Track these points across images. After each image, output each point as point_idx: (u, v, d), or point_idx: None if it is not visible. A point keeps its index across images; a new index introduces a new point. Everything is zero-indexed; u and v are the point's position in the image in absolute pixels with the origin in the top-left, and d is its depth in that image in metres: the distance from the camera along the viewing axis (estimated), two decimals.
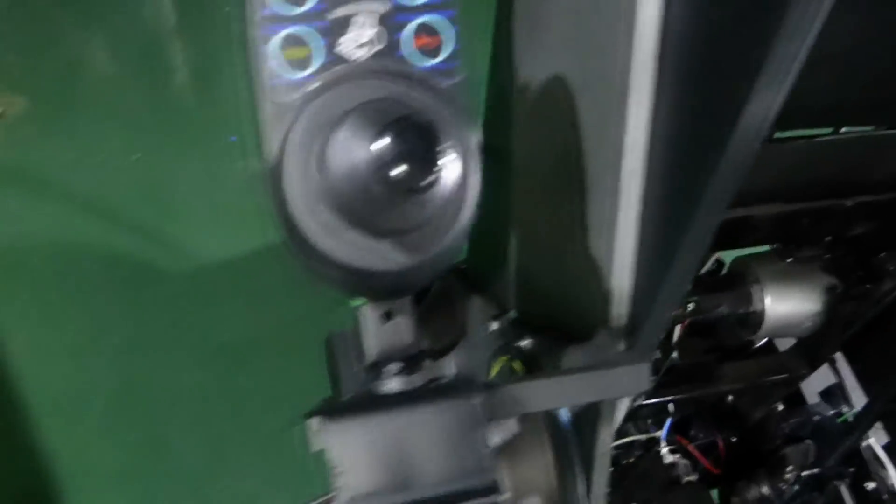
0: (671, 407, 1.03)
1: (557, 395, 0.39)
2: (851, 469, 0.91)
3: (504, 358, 0.51)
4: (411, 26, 0.34)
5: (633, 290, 0.44)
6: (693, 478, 1.03)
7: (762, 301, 0.84)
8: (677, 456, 1.06)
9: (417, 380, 0.37)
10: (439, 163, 0.27)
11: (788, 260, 0.82)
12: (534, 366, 0.53)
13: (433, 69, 0.34)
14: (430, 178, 0.26)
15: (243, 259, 1.57)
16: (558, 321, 0.53)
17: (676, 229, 0.37)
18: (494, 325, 0.60)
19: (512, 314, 0.60)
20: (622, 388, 0.40)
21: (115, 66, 2.04)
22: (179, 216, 1.66)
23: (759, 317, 0.84)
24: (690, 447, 1.05)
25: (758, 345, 1.02)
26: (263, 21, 0.32)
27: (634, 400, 0.83)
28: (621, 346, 0.45)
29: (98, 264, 1.56)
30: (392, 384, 0.38)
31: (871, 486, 0.90)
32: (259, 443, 1.34)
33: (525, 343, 0.54)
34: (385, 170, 0.26)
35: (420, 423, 0.35)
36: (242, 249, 1.59)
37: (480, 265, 0.75)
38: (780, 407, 1.01)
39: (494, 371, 0.54)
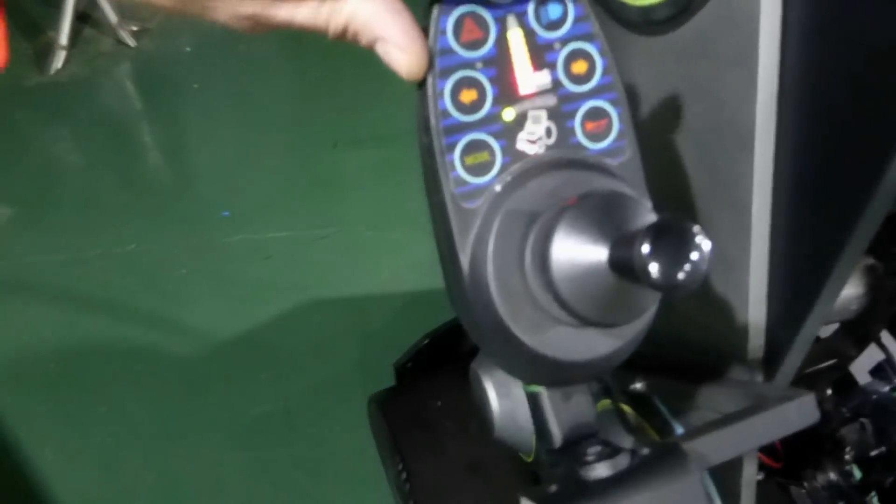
0: None
1: (741, 442, 0.39)
2: None
3: (605, 401, 0.51)
4: (580, 114, 0.35)
5: (768, 324, 0.44)
6: (760, 476, 1.04)
7: None
8: None
9: (623, 460, 0.37)
10: (699, 253, 0.26)
11: None
12: (646, 407, 0.53)
13: (605, 151, 0.35)
14: (692, 274, 0.26)
15: (260, 329, 1.57)
16: (667, 360, 0.53)
17: (817, 262, 0.38)
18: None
19: None
20: (794, 423, 0.41)
21: (92, 159, 2.03)
22: (186, 298, 1.66)
23: None
24: None
25: None
26: (444, 131, 0.32)
27: None
28: (759, 377, 0.45)
29: (113, 361, 1.54)
30: (601, 469, 0.37)
31: None
32: None
33: (637, 385, 0.53)
34: (645, 272, 0.26)
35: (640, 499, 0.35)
36: (257, 320, 1.58)
37: None
38: (829, 392, 1.02)
39: None
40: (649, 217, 0.29)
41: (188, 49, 2.35)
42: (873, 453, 0.94)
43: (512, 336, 0.32)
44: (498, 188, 0.33)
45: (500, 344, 0.33)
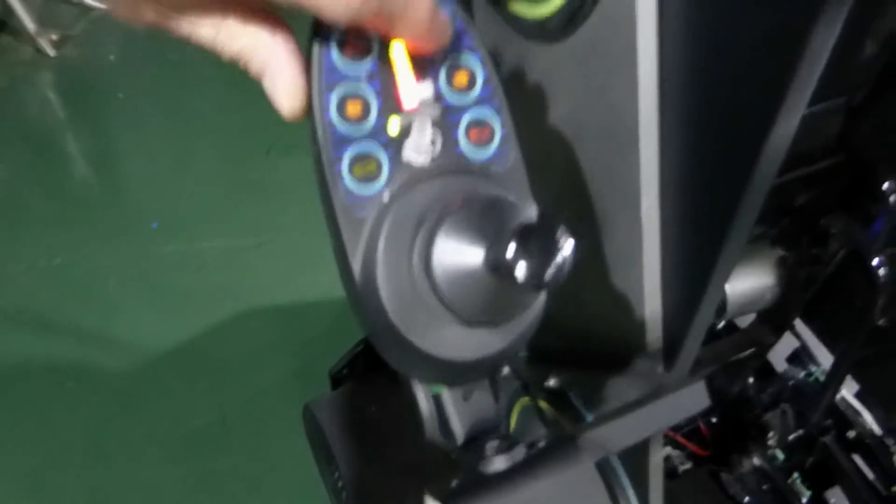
0: None
1: (638, 429, 0.40)
2: (832, 422, 0.96)
3: (525, 399, 0.52)
4: (463, 125, 0.36)
5: (664, 314, 0.46)
6: (688, 466, 1.07)
7: None
8: (667, 448, 1.10)
9: (519, 453, 0.38)
10: (563, 252, 0.28)
11: None
12: (561, 402, 0.55)
13: (489, 159, 0.36)
14: (558, 272, 0.28)
15: (194, 340, 1.54)
16: (579, 354, 0.54)
17: (704, 251, 0.40)
18: (506, 369, 0.61)
19: (521, 353, 0.61)
20: (687, 408, 0.43)
21: (14, 171, 1.98)
22: (116, 310, 1.62)
23: (722, 301, 0.89)
24: (677, 437, 1.09)
25: (720, 326, 1.07)
26: (331, 143, 0.33)
27: None
28: (660, 367, 0.47)
29: (41, 378, 1.50)
30: (498, 462, 0.38)
31: (852, 434, 0.95)
32: None
33: (551, 382, 0.55)
34: (512, 272, 0.28)
35: (540, 493, 0.36)
36: (191, 331, 1.56)
37: None
38: (751, 380, 1.06)
39: (515, 413, 0.56)
40: (525, 219, 0.30)
41: (112, 57, 2.30)
42: (792, 437, 0.99)
43: (403, 339, 0.33)
44: (386, 197, 0.34)
45: (394, 347, 0.34)
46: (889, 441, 0.96)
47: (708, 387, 1.11)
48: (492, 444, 0.39)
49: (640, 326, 0.48)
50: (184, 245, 1.73)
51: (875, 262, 0.81)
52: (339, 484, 1.01)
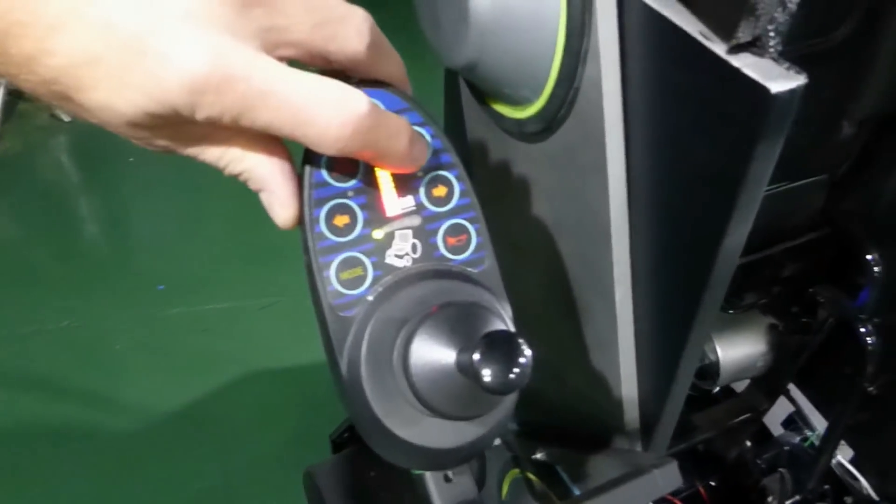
0: None
1: None
2: (829, 487, 0.97)
3: (515, 471, 0.54)
4: (441, 232, 0.39)
5: (641, 395, 0.49)
6: None
7: (715, 352, 0.90)
8: None
9: None
10: (522, 363, 0.31)
11: (730, 311, 0.89)
12: (551, 475, 0.57)
13: (466, 261, 0.40)
14: (517, 380, 0.31)
15: (199, 403, 1.56)
16: (565, 430, 0.57)
17: (674, 338, 0.43)
18: (497, 441, 0.63)
19: (512, 426, 0.63)
20: (660, 487, 0.45)
21: (27, 234, 2.02)
22: (122, 373, 1.64)
23: (715, 367, 0.91)
24: (675, 501, 1.10)
25: (715, 391, 1.08)
26: (320, 251, 0.37)
27: None
28: (638, 446, 0.49)
29: (47, 440, 1.51)
30: None
31: (849, 500, 0.96)
32: None
33: (539, 455, 0.57)
34: (478, 377, 0.31)
35: None
36: (196, 394, 1.57)
37: None
38: (748, 444, 1.07)
39: (506, 484, 0.58)
40: (494, 326, 0.33)
41: None
42: (790, 502, 0.99)
43: (386, 430, 0.36)
44: (370, 298, 0.37)
45: (378, 436, 0.36)
46: None
47: (706, 452, 1.12)
48: None
49: (618, 407, 0.50)
50: (190, 307, 1.76)
51: (863, 330, 0.83)
52: None
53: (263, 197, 0.37)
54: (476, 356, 0.31)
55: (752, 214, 0.41)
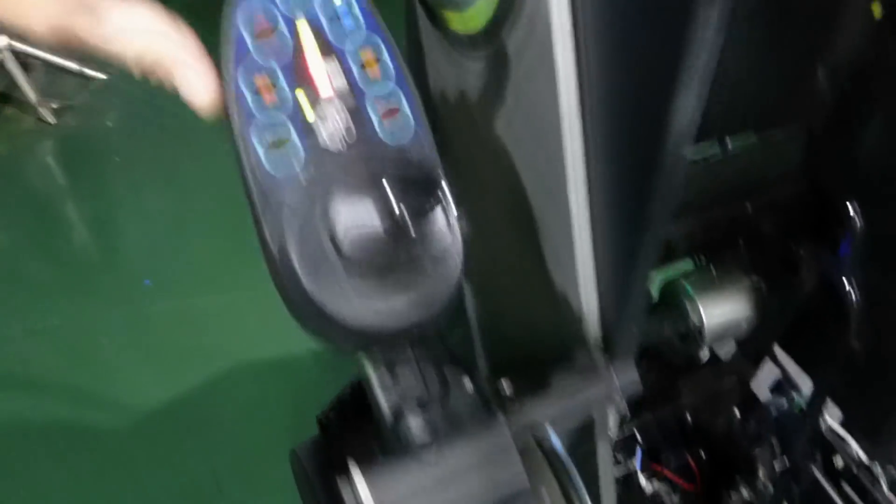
0: (639, 438, 1.06)
1: (568, 409, 0.41)
2: (818, 451, 0.96)
3: None
4: (370, 101, 0.38)
5: (601, 307, 0.48)
6: (676, 501, 1.06)
7: (698, 314, 0.89)
8: (656, 484, 1.09)
9: (440, 423, 0.40)
10: (438, 190, 0.30)
11: (712, 271, 0.88)
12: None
13: (406, 145, 0.38)
14: (433, 203, 0.30)
15: (187, 397, 1.54)
16: (532, 360, 0.56)
17: (629, 242, 0.42)
18: (468, 384, 0.61)
19: (482, 365, 0.62)
20: (619, 389, 0.44)
21: (15, 236, 2.00)
22: (110, 370, 1.63)
23: (699, 329, 0.90)
24: (666, 472, 1.08)
25: (703, 360, 1.07)
26: (247, 126, 0.36)
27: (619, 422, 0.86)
28: (601, 360, 0.48)
29: (35, 438, 1.49)
30: (419, 432, 0.40)
31: (839, 462, 0.95)
32: None
33: (505, 387, 0.56)
34: (390, 205, 0.30)
35: (457, 461, 0.38)
36: (184, 388, 1.56)
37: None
38: (737, 413, 1.06)
39: None
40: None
41: (110, 124, 2.35)
42: (780, 467, 0.98)
43: (318, 306, 0.34)
44: (301, 177, 0.36)
45: (313, 316, 0.35)
46: (876, 468, 0.95)
47: (694, 423, 1.11)
48: (415, 415, 0.40)
49: (577, 318, 0.49)
50: (177, 302, 1.75)
51: (845, 287, 0.82)
52: None
53: (178, 79, 0.36)
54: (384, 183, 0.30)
55: (696, 88, 0.39)
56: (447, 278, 0.36)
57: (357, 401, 1.21)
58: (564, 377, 0.47)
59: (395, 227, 0.31)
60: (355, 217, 0.33)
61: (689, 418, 1.08)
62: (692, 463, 1.08)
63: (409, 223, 0.30)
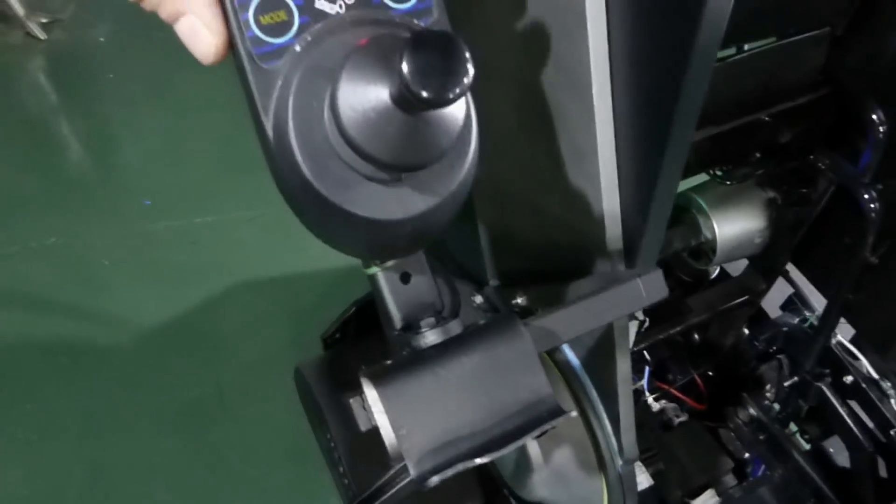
0: (647, 355, 1.05)
1: (590, 318, 0.39)
2: (827, 369, 0.95)
3: None
4: None
5: (623, 209, 0.45)
6: (684, 418, 1.06)
7: (711, 228, 0.87)
8: (663, 402, 1.09)
9: (455, 328, 0.37)
10: (464, 71, 0.27)
11: (726, 183, 0.85)
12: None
13: (410, 10, 0.34)
14: (459, 89, 0.26)
15: (188, 314, 1.54)
16: (547, 271, 0.53)
17: (656, 142, 0.38)
18: (479, 299, 0.59)
19: (493, 283, 0.60)
20: (642, 298, 0.41)
21: (6, 154, 1.97)
22: (110, 288, 1.61)
23: (711, 244, 0.87)
24: (672, 390, 1.08)
25: (713, 275, 1.05)
26: None
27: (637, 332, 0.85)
28: (622, 266, 0.46)
29: (36, 356, 1.49)
30: (432, 337, 0.37)
31: (849, 379, 0.93)
32: (246, 493, 1.31)
33: (519, 300, 0.54)
34: (414, 87, 0.26)
35: (474, 366, 0.35)
36: (185, 305, 1.55)
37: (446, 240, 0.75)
38: (746, 331, 1.05)
39: None
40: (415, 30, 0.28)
41: (101, 39, 2.28)
42: (787, 383, 0.97)
43: (319, 195, 0.31)
44: (297, 48, 0.32)
45: (313, 206, 0.32)
46: (886, 384, 0.94)
47: (702, 341, 1.09)
48: (427, 321, 0.38)
49: (599, 225, 0.46)
50: (176, 221, 1.72)
51: (864, 196, 0.79)
52: (332, 443, 1.01)
53: (183, 25, 0.32)
54: (405, 62, 0.26)
55: None
56: (460, 162, 0.33)
57: (361, 320, 1.20)
58: (585, 285, 0.44)
59: (405, 103, 0.27)
60: (359, 92, 0.29)
61: (696, 336, 1.07)
62: (699, 381, 1.07)
63: (421, 91, 0.26)
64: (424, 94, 0.26)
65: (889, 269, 0.83)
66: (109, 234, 1.71)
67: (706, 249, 0.91)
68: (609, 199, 0.45)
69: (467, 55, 0.26)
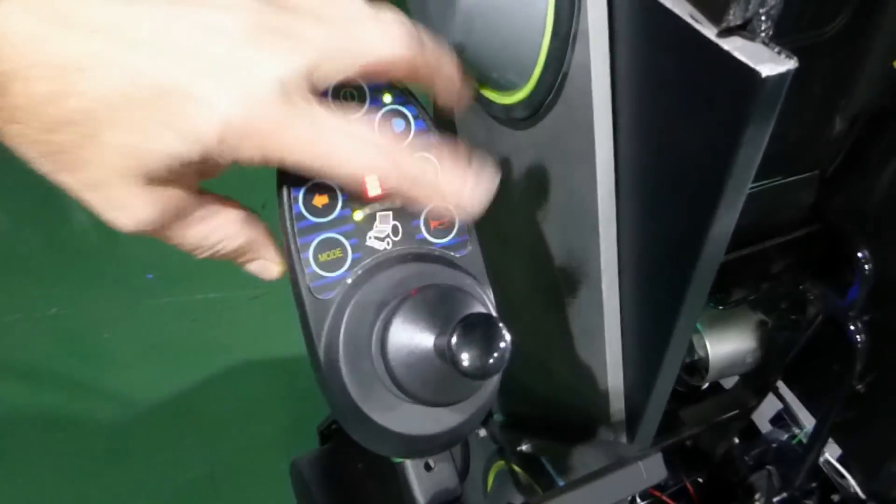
0: None
1: (599, 499, 0.42)
2: (816, 485, 0.97)
3: (500, 462, 0.54)
4: (423, 214, 0.38)
5: (626, 387, 0.48)
6: None
7: (704, 348, 0.90)
8: None
9: None
10: (501, 348, 0.30)
11: (720, 307, 0.88)
12: (535, 467, 0.56)
13: (448, 245, 0.39)
14: (496, 364, 0.30)
15: (186, 393, 1.55)
16: (551, 421, 0.56)
17: (660, 328, 0.42)
18: (483, 432, 0.62)
19: (498, 417, 0.63)
20: (645, 479, 0.44)
21: (14, 221, 2.00)
22: (109, 362, 1.63)
23: (704, 362, 0.90)
24: (663, 497, 1.09)
25: (704, 386, 1.08)
26: (299, 232, 0.36)
27: None
28: (623, 438, 0.49)
29: (32, 429, 1.50)
30: None
31: (836, 498, 0.95)
32: None
33: (524, 447, 0.57)
34: (456, 361, 0.30)
35: None
36: (183, 384, 1.57)
37: None
38: (737, 440, 1.07)
39: (491, 475, 0.57)
40: (475, 310, 0.33)
41: None
42: (776, 499, 0.99)
43: (364, 415, 0.35)
44: (349, 281, 0.36)
45: (357, 423, 0.36)
46: None
47: (694, 448, 1.11)
48: None
49: (603, 398, 0.49)
50: (178, 297, 1.75)
51: (852, 328, 0.82)
52: None
53: (254, 266, 0.37)
54: (453, 340, 0.30)
55: (739, 203, 0.40)
56: (489, 386, 0.37)
57: None
58: (587, 453, 0.47)
59: (445, 364, 0.31)
60: (406, 338, 0.33)
61: (687, 444, 1.09)
62: (689, 488, 1.08)
63: (464, 367, 0.30)
64: (470, 370, 0.29)
65: (875, 398, 0.86)
66: (111, 306, 1.73)
67: (700, 367, 0.94)
68: (613, 377, 0.48)
69: (507, 339, 0.30)
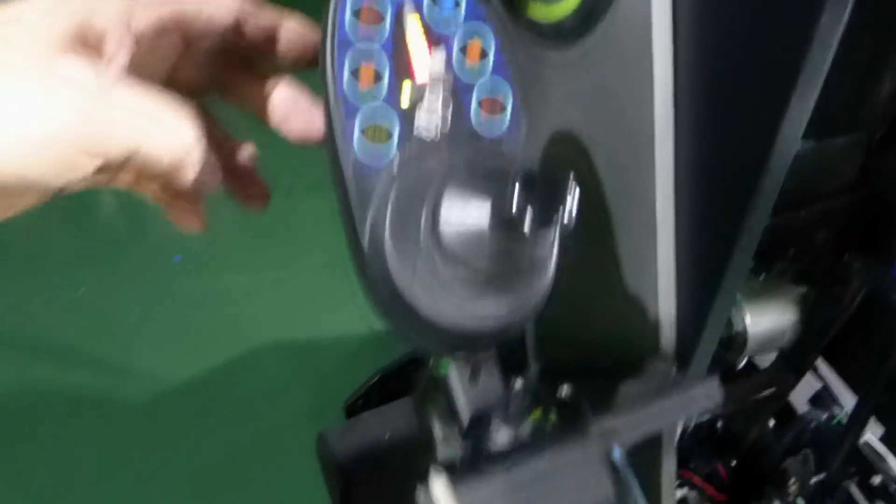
0: None
1: (649, 422, 0.40)
2: (854, 468, 0.94)
3: (537, 412, 0.52)
4: (475, 95, 0.36)
5: (678, 316, 0.46)
6: None
7: (743, 321, 0.88)
8: (685, 490, 1.08)
9: (525, 429, 0.38)
10: (566, 203, 0.29)
11: (760, 277, 0.86)
12: (572, 413, 0.54)
13: (499, 137, 0.37)
14: (563, 220, 0.29)
15: (211, 374, 1.55)
16: (592, 363, 0.54)
17: (717, 252, 0.40)
18: (519, 383, 0.60)
19: (534, 368, 0.61)
20: (700, 404, 0.42)
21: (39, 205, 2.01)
22: (135, 344, 1.63)
23: (742, 336, 0.88)
24: (695, 478, 1.07)
25: (740, 366, 1.06)
26: (344, 108, 0.34)
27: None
28: (674, 371, 0.47)
29: (58, 410, 1.50)
30: (503, 438, 0.39)
31: (876, 480, 0.93)
32: None
33: (563, 392, 0.55)
34: (519, 222, 0.28)
35: (547, 470, 0.36)
36: (208, 365, 1.56)
37: None
38: (772, 422, 1.04)
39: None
40: (529, 167, 0.31)
41: None
42: (813, 480, 0.96)
43: (408, 305, 0.33)
44: (395, 167, 0.35)
45: (400, 313, 0.34)
46: None
47: (727, 430, 1.09)
48: (497, 422, 0.39)
49: (653, 328, 0.47)
50: (205, 279, 1.75)
51: (894, 304, 0.80)
52: None
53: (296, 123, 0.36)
54: (516, 195, 0.28)
55: (814, 93, 0.37)
56: (542, 281, 0.35)
57: (385, 389, 1.21)
58: (635, 386, 0.45)
59: (503, 226, 0.30)
60: (458, 212, 0.31)
61: (721, 425, 1.06)
62: (722, 471, 1.06)
63: (524, 223, 0.28)
64: (533, 230, 0.28)
65: None
66: (138, 288, 1.74)
67: (738, 341, 0.91)
68: (665, 305, 0.46)
69: (576, 196, 0.28)
